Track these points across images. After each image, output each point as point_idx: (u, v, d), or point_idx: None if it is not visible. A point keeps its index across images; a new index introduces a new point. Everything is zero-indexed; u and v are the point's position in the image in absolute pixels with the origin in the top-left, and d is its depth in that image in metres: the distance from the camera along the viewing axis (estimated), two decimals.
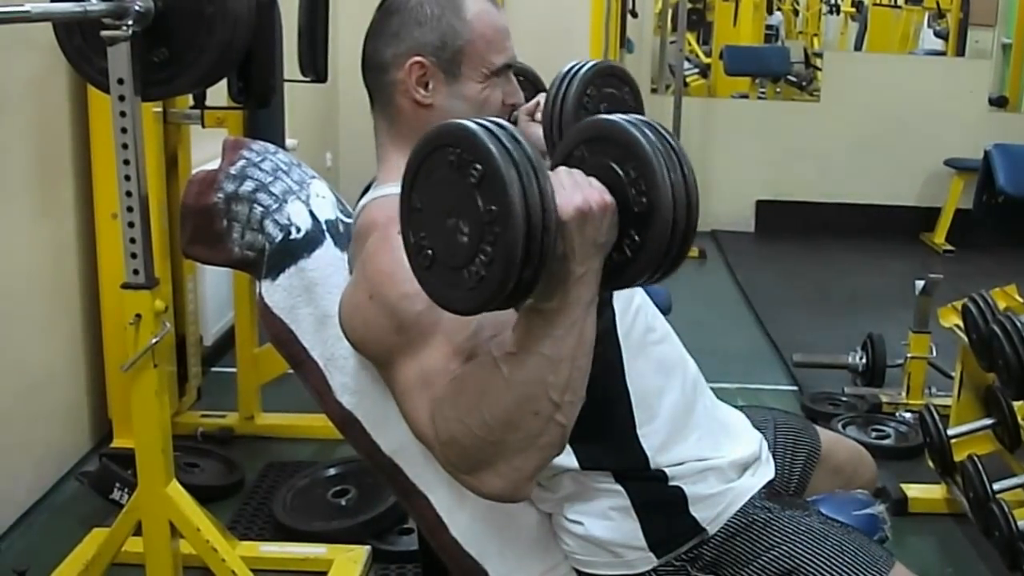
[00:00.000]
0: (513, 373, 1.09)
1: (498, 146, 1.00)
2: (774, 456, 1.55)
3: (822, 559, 1.35)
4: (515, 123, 1.41)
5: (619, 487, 1.38)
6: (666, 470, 1.38)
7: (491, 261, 1.00)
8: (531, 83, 1.62)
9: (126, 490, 2.40)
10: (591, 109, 1.38)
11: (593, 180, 1.08)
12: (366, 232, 1.31)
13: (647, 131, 1.07)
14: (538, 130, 1.41)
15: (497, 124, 1.03)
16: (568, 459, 1.36)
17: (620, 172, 1.07)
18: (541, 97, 1.46)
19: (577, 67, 1.40)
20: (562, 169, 1.09)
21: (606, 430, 1.38)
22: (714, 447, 1.43)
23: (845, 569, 1.34)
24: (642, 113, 1.21)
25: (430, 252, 1.05)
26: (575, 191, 1.05)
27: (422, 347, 1.20)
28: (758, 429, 1.57)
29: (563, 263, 1.05)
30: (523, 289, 1.02)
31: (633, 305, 1.43)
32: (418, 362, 1.20)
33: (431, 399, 1.17)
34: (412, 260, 1.08)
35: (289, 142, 3.24)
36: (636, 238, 1.08)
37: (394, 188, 1.33)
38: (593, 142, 1.10)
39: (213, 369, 3.47)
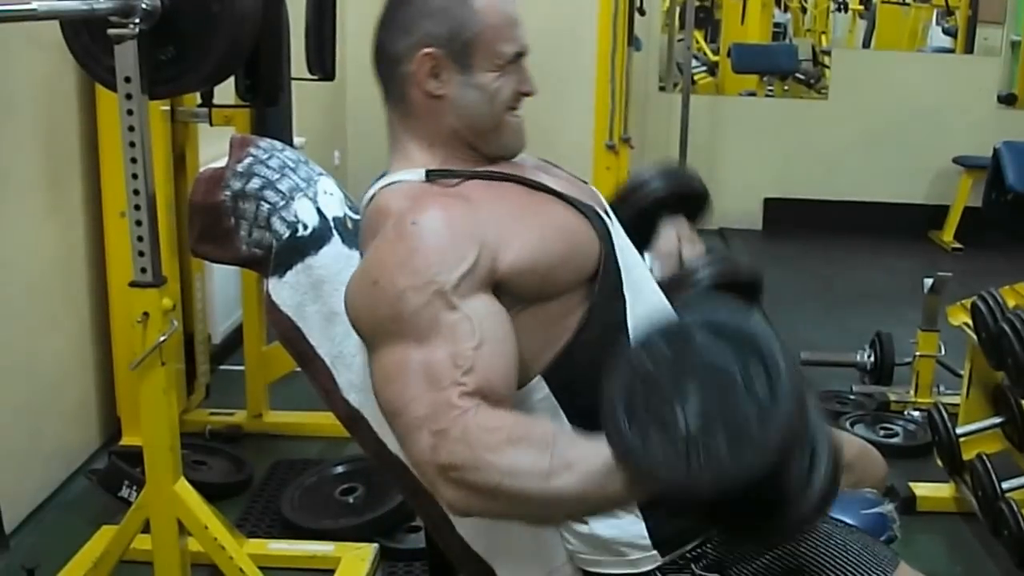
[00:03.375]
0: (554, 491, 1.12)
1: None
2: None
3: (826, 558, 1.35)
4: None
5: None
6: None
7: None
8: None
9: (135, 488, 2.40)
10: None
11: None
12: (380, 219, 1.30)
13: None
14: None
15: None
16: None
17: None
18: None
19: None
20: None
21: None
22: None
23: (849, 569, 1.34)
24: None
25: None
26: None
27: (421, 340, 1.18)
28: None
29: None
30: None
31: (650, 290, 1.40)
32: (417, 352, 1.18)
33: (438, 405, 1.15)
34: None
35: (297, 140, 3.24)
36: None
37: (408, 175, 1.33)
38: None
39: (221, 367, 3.48)
